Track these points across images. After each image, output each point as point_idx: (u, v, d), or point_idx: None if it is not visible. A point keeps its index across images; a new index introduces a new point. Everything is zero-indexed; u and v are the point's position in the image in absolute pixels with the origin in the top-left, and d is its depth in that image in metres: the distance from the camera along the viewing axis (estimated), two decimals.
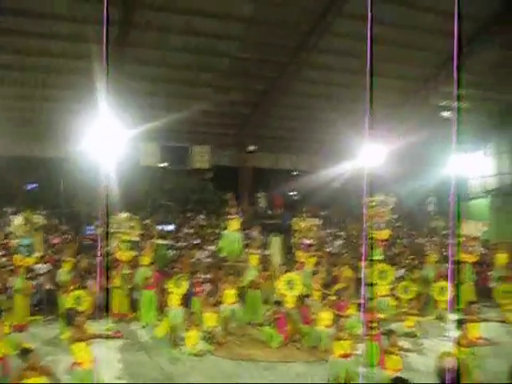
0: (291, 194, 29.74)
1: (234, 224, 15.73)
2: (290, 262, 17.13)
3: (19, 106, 20.67)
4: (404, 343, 10.07)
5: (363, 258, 15.14)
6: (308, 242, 16.09)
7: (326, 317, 11.75)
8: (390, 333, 9.77)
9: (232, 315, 13.45)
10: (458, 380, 4.66)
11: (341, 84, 21.64)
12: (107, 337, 9.38)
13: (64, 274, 14.52)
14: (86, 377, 7.54)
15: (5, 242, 17.31)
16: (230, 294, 13.68)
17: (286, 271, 14.74)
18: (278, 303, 12.86)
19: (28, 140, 21.65)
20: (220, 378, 9.81)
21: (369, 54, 9.66)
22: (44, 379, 6.93)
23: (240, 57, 19.83)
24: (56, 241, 19.01)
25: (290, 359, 11.05)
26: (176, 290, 13.07)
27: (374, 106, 11.44)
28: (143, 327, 13.83)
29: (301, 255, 16.07)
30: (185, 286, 13.32)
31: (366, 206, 14.67)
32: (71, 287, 13.14)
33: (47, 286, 15.47)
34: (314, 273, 14.87)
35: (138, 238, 15.95)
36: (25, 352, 7.11)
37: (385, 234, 15.05)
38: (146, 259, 15.33)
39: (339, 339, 9.49)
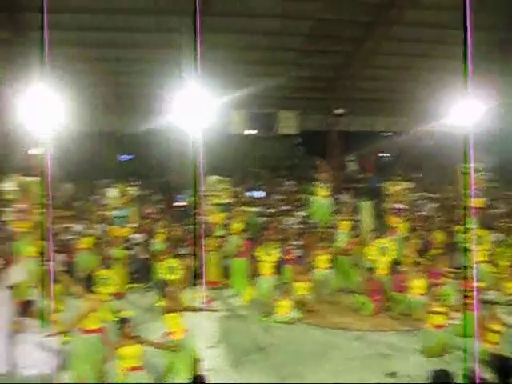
0: (382, 156, 29.01)
1: (323, 189, 15.48)
2: (381, 228, 16.77)
3: (112, 81, 21.25)
4: (503, 315, 9.60)
5: (458, 222, 14.63)
6: (400, 206, 15.61)
7: (418, 285, 11.43)
8: (489, 303, 9.37)
9: (324, 281, 13.38)
10: None
11: (432, 40, 20.66)
12: (200, 310, 9.49)
13: (158, 243, 14.92)
14: (177, 345, 7.69)
15: (100, 213, 18.01)
16: (322, 259, 13.59)
17: (378, 237, 14.43)
18: (370, 270, 12.65)
19: (120, 114, 22.28)
20: (311, 347, 9.79)
21: (462, 5, 9.04)
22: (138, 348, 7.14)
23: (324, 18, 19.31)
24: (149, 211, 19.55)
25: (382, 328, 10.86)
26: (266, 258, 13.09)
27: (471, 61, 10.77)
28: (235, 295, 14.06)
29: (393, 220, 15.64)
30: (275, 253, 13.33)
31: (460, 173, 14.05)
32: (165, 256, 13.49)
33: (143, 256, 16.00)
34: (407, 238, 14.48)
35: (229, 200, 16.01)
36: (123, 321, 7.34)
37: (479, 202, 14.34)
38: (236, 227, 15.47)
39: (433, 308, 9.21)
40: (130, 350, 7.10)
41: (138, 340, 7.23)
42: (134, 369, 7.06)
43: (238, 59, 20.60)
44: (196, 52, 14.75)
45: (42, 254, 11.43)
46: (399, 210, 15.73)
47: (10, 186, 11.30)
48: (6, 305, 8.86)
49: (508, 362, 5.75)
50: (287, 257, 14.06)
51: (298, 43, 20.41)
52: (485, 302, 9.51)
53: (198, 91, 16.01)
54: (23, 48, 18.53)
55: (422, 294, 11.22)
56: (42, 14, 12.00)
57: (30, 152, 17.65)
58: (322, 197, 15.30)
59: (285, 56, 21.00)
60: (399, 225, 15.38)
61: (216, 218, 15.40)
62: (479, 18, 18.33)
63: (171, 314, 7.85)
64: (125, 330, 7.16)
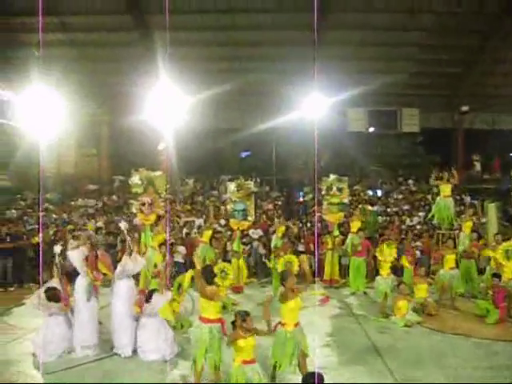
0: (510, 155, 27.52)
1: (446, 189, 14.95)
2: (508, 230, 15.97)
3: (234, 80, 21.74)
4: None
5: None
6: None
7: None
8: None
9: (448, 283, 12.93)
10: None
11: None
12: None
13: (277, 239, 15.12)
14: (288, 338, 7.76)
15: (220, 207, 18.54)
16: (450, 258, 13.15)
17: (505, 240, 13.73)
18: (496, 275, 12.06)
19: (242, 111, 22.79)
20: (428, 351, 9.51)
21: None
22: (253, 341, 7.30)
23: (448, 11, 18.64)
24: (268, 207, 19.85)
25: (506, 337, 10.33)
26: (384, 258, 12.87)
27: None
28: (352, 294, 13.98)
29: None
30: (393, 253, 13.06)
31: None
32: (282, 252, 13.64)
33: (261, 251, 16.32)
34: None
35: (346, 200, 15.92)
36: (242, 314, 7.52)
37: None
38: (354, 225, 15.35)
39: None
40: (247, 343, 7.26)
41: (254, 332, 7.37)
42: (248, 362, 7.22)
43: (360, 56, 20.42)
44: (315, 51, 14.85)
45: (163, 245, 11.99)
46: None
47: (136, 179, 11.85)
48: (130, 293, 9.39)
49: None
50: (408, 258, 13.74)
51: (421, 38, 19.88)
52: None
53: (316, 89, 16.09)
54: (148, 49, 19.49)
55: None
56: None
57: (156, 148, 18.48)
58: (444, 196, 14.77)
59: (408, 52, 20.53)
60: None
61: (334, 216, 15.34)
62: None
63: (287, 305, 7.93)
64: (244, 322, 7.33)
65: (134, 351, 9.11)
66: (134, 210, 12.15)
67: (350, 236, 15.17)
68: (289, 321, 7.88)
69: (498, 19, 19.01)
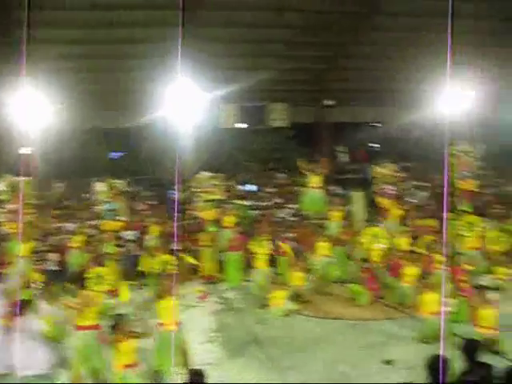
0: (372, 146, 29.07)
1: (313, 180, 15.46)
2: (373, 217, 16.87)
3: (100, 78, 21.16)
4: (495, 297, 9.72)
5: (449, 209, 14.71)
6: (390, 188, 15.60)
7: (411, 272, 11.51)
8: (480, 288, 9.50)
9: (322, 270, 13.45)
10: None
11: (420, 29, 20.68)
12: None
13: (151, 239, 14.94)
14: (169, 338, 7.73)
15: (91, 209, 18.00)
16: (323, 246, 13.66)
17: (370, 226, 14.49)
18: (364, 259, 12.72)
19: (110, 110, 22.20)
20: (307, 337, 9.85)
21: None
22: (133, 344, 7.18)
23: (313, 10, 19.31)
24: (141, 207, 19.53)
25: (377, 317, 10.94)
26: (259, 251, 13.15)
27: (456, 49, 10.82)
28: (230, 288, 14.13)
29: (383, 202, 15.67)
30: (267, 246, 13.40)
31: (448, 155, 14.08)
32: (157, 252, 13.54)
33: (136, 252, 16.01)
34: (400, 226, 14.57)
35: (221, 197, 16.03)
36: (118, 317, 7.37)
37: (470, 184, 14.36)
38: (228, 221, 15.51)
39: (426, 296, 9.31)
40: (126, 346, 7.13)
41: (133, 335, 7.25)
42: (129, 365, 7.09)
43: (227, 52, 20.54)
44: (185, 46, 14.79)
45: (34, 253, 11.45)
46: (389, 192, 15.68)
47: (1, 186, 11.25)
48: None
49: (471, 343, 5.92)
50: (282, 249, 14.13)
51: (287, 35, 20.38)
52: (478, 287, 9.62)
53: (187, 86, 16.02)
54: (9, 47, 18.43)
55: (415, 282, 11.30)
56: (28, 11, 11.96)
57: (19, 152, 17.57)
58: (313, 188, 15.31)
59: (274, 48, 20.97)
60: (392, 211, 15.41)
61: (208, 214, 15.42)
62: (465, 7, 18.50)
63: (165, 306, 7.88)
64: (120, 326, 7.20)
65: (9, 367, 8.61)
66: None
67: (223, 232, 15.32)
68: (167, 320, 7.84)
69: (358, 18, 19.97)
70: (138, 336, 7.29)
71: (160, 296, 7.96)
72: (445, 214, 12.45)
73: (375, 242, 13.03)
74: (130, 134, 23.50)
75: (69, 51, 19.38)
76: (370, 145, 28.65)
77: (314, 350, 9.06)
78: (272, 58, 20.84)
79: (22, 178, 11.57)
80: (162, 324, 7.82)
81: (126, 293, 12.43)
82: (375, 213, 16.94)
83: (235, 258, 14.46)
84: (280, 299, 11.64)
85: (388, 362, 8.35)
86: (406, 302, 11.33)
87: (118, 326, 7.19)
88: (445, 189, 13.99)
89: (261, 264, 13.04)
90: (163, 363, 7.72)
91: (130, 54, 20.06)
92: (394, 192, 15.52)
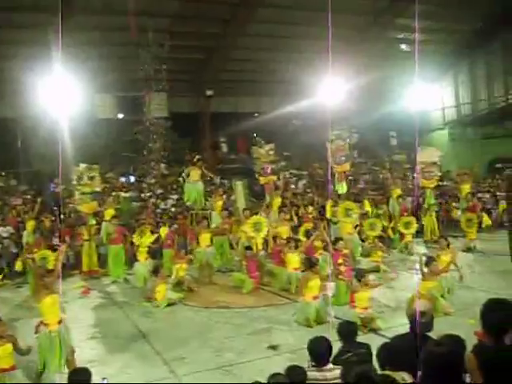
0: (253, 136, 29.48)
1: (195, 172, 15.40)
2: (255, 206, 17.12)
3: None
4: (373, 279, 10.19)
5: (328, 196, 15.25)
6: (267, 166, 15.89)
7: (294, 259, 11.78)
8: (359, 271, 9.90)
9: (206, 260, 13.45)
10: (431, 323, 4.68)
11: (296, 22, 21.23)
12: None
13: (28, 235, 14.28)
14: (53, 337, 7.41)
15: None
16: (205, 237, 13.64)
17: (252, 214, 14.67)
18: (248, 248, 12.84)
19: None
20: (193, 328, 9.81)
21: None
22: (9, 348, 6.79)
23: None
24: (17, 202, 18.57)
25: (262, 304, 11.10)
26: (142, 243, 12.95)
27: (332, 42, 11.22)
28: (113, 282, 13.78)
29: (263, 179, 15.95)
30: (149, 237, 13.23)
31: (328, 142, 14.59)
32: (35, 248, 12.96)
33: (12, 249, 15.21)
34: (280, 214, 14.86)
35: (99, 189, 15.61)
36: None
37: (345, 166, 14.90)
38: (108, 213, 15.15)
39: (309, 281, 9.56)
40: (3, 351, 6.73)
41: (8, 339, 6.86)
42: (6, 370, 6.70)
43: (104, 41, 19.98)
44: (62, 35, 14.17)
45: None
46: (268, 171, 15.93)
47: None
48: None
49: (348, 324, 6.27)
50: (166, 241, 13.97)
51: (166, 24, 20.15)
52: (355, 271, 10.02)
53: (64, 76, 15.37)
54: None
55: (298, 268, 11.58)
56: None
57: None
58: (194, 179, 15.24)
59: (153, 38, 20.63)
60: (274, 199, 15.68)
61: (87, 206, 14.92)
62: (345, 2, 19.16)
63: (46, 303, 7.53)
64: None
65: None
66: None
67: (104, 224, 14.93)
68: (50, 319, 7.50)
69: (237, 8, 20.12)
70: (14, 341, 6.90)
71: (40, 294, 7.58)
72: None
73: (257, 229, 13.17)
74: (5, 124, 22.21)
75: None
76: (252, 135, 29.07)
77: (200, 340, 9.03)
78: (152, 46, 20.48)
79: None
80: (45, 324, 7.45)
81: None
82: (257, 202, 17.22)
83: (116, 250, 14.10)
84: (163, 291, 11.49)
85: (273, 348, 8.49)
86: (289, 288, 11.59)
87: None
88: (328, 176, 14.48)
89: (143, 256, 12.83)
90: (48, 364, 7.37)
91: (7, 41, 18.97)
92: (271, 171, 15.85)
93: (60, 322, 7.59)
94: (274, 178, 16.18)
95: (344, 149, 14.83)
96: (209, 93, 23.54)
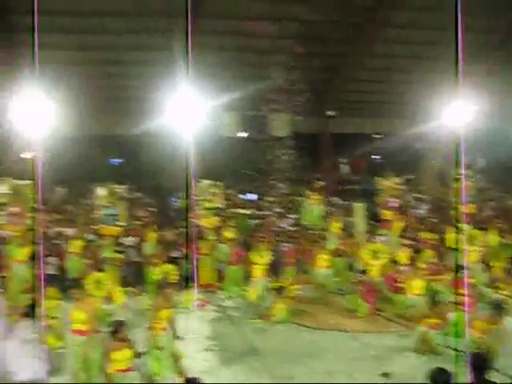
0: (374, 158, 29.03)
1: (314, 196, 15.37)
2: (374, 229, 16.77)
3: (102, 85, 21.16)
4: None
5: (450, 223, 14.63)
6: (393, 201, 15.53)
7: (416, 285, 11.37)
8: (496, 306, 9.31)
9: (323, 281, 13.37)
10: None
11: (424, 42, 20.73)
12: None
13: (150, 246, 14.84)
14: (165, 344, 7.67)
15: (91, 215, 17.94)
16: (323, 258, 13.59)
17: (371, 239, 14.38)
18: (363, 272, 12.60)
19: (112, 117, 22.20)
20: (304, 348, 9.75)
21: (454, 6, 9.03)
22: (130, 352, 7.11)
23: (315, 20, 19.35)
24: (141, 214, 19.44)
25: (376, 329, 10.82)
26: (259, 261, 13.03)
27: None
28: (229, 298, 14.02)
29: (387, 214, 15.59)
30: (267, 256, 13.28)
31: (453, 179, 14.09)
32: (157, 260, 13.48)
33: (135, 259, 15.92)
34: (401, 238, 14.46)
35: (220, 205, 15.98)
36: (117, 324, 7.29)
37: (470, 208, 14.29)
38: (228, 235, 15.38)
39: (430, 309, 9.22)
40: (123, 354, 7.06)
41: (129, 345, 7.19)
42: (124, 371, 7.02)
43: (230, 61, 20.58)
44: (188, 54, 14.74)
45: (33, 257, 11.35)
46: (393, 205, 15.61)
47: (2, 189, 11.22)
48: None
49: (479, 357, 5.72)
50: (286, 259, 13.98)
51: (290, 45, 20.37)
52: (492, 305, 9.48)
53: (189, 94, 15.96)
54: (13, 50, 18.45)
55: (419, 294, 11.19)
56: (33, 16, 11.92)
57: (22, 155, 17.52)
58: (313, 201, 15.23)
59: (277, 58, 20.94)
60: (394, 224, 15.31)
61: (208, 221, 15.32)
62: (471, 19, 18.47)
63: (164, 314, 7.82)
64: (119, 333, 7.13)
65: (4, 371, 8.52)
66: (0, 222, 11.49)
67: (222, 246, 15.20)
68: (165, 327, 7.78)
69: (360, 29, 20.01)
70: (132, 345, 7.23)
71: (159, 304, 7.89)
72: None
73: (375, 256, 12.87)
74: (131, 141, 23.47)
75: (73, 57, 19.42)
76: (372, 156, 28.64)
77: (310, 361, 8.95)
78: (275, 67, 20.80)
79: (24, 182, 11.51)
80: (158, 329, 7.74)
81: (120, 298, 12.36)
82: (376, 225, 16.85)
83: (234, 271, 14.32)
84: (279, 309, 11.51)
85: (385, 375, 8.23)
86: (406, 314, 11.20)
87: (117, 332, 7.12)
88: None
89: (260, 274, 12.90)
90: (159, 369, 7.63)
91: (133, 61, 20.09)
92: (397, 205, 15.44)
93: (165, 329, 7.84)
94: (398, 215, 15.64)
95: (469, 188, 14.28)
96: (330, 113, 23.50)
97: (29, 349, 8.43)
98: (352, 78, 22.80)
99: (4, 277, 10.62)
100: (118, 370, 7.00)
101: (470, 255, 13.30)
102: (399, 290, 11.79)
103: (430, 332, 9.07)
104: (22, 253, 11.22)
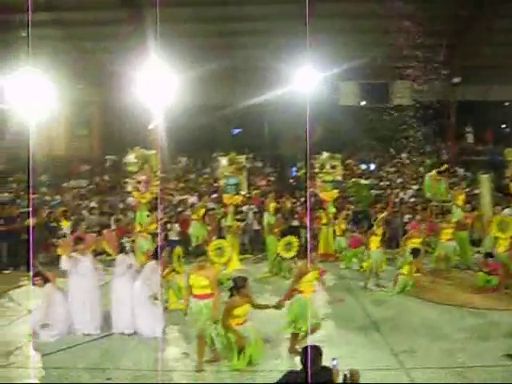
0: (503, 127, 27.52)
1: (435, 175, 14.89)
2: (502, 202, 16.01)
3: (224, 55, 21.54)
4: None
5: None
6: None
7: None
8: None
9: (447, 252, 13.17)
10: None
11: None
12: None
13: (269, 215, 15.13)
14: (307, 302, 7.98)
15: (213, 184, 18.55)
16: (446, 232, 13.31)
17: (498, 212, 13.77)
18: (489, 255, 12.09)
19: (232, 87, 22.64)
20: (425, 322, 9.58)
21: None
22: (248, 307, 7.57)
23: None
24: (261, 183, 19.83)
25: (502, 307, 10.40)
26: (377, 231, 12.83)
27: None
28: (346, 268, 14.09)
29: None
30: (381, 228, 13.01)
31: None
32: (276, 229, 13.79)
33: (255, 227, 16.36)
34: None
35: (340, 178, 15.97)
36: (240, 281, 7.65)
37: None
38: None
39: None
40: (244, 309, 7.51)
41: (250, 300, 7.62)
42: (241, 323, 7.51)
43: (350, 29, 20.21)
44: (306, 24, 14.68)
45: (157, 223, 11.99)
46: None
47: (132, 158, 11.85)
48: (130, 273, 9.41)
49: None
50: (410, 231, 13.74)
51: (413, 10, 19.64)
52: None
53: (310, 63, 15.95)
54: (137, 26, 19.24)
55: None
56: None
57: (147, 127, 18.35)
58: (436, 179, 14.78)
59: (398, 24, 20.30)
60: None
61: (328, 194, 15.40)
62: None
63: (306, 278, 8.07)
64: (242, 289, 7.47)
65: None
66: (129, 189, 12.14)
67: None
68: (306, 289, 8.01)
69: None
70: (253, 300, 7.66)
71: (303, 270, 8.16)
72: None
73: (502, 229, 12.29)
74: (252, 110, 23.85)
75: (197, 29, 19.93)
76: (501, 126, 27.16)
77: (431, 336, 8.79)
78: (395, 33, 20.18)
79: (151, 151, 12.09)
80: (301, 291, 8.06)
81: (236, 263, 12.82)
82: (503, 197, 16.09)
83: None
84: (401, 280, 11.42)
85: (510, 356, 7.93)
86: None
87: (240, 288, 7.47)
88: None
89: (375, 244, 12.71)
90: (299, 323, 8.01)
91: (255, 32, 20.28)
92: None
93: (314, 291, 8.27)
94: None
95: None
96: (455, 80, 22.47)
97: (149, 306, 9.03)
98: (478, 42, 21.62)
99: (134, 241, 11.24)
100: (238, 324, 7.43)
101: None
102: None
103: None
104: (148, 220, 11.86)
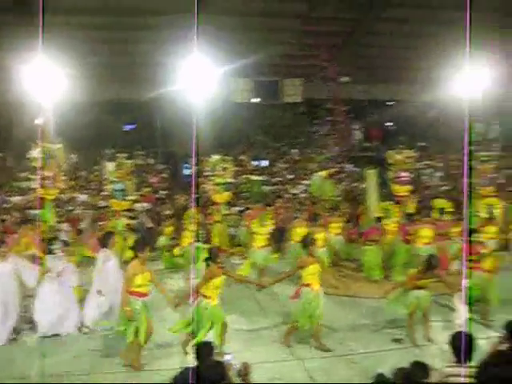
0: (387, 125, 28.82)
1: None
2: (386, 196, 16.72)
3: (114, 50, 21.00)
4: None
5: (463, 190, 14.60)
6: (403, 174, 15.42)
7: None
8: None
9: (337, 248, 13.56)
10: None
11: (438, 6, 20.32)
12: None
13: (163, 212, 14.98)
14: (315, 297, 8.15)
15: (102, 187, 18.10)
16: (335, 226, 13.63)
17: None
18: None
19: (123, 83, 22.11)
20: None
21: None
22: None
23: None
24: (154, 180, 19.57)
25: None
26: (260, 230, 12.69)
27: (473, 28, 10.55)
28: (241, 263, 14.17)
29: (397, 189, 15.54)
30: (268, 225, 13.03)
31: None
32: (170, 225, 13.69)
33: (147, 224, 16.06)
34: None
35: (231, 180, 16.07)
36: (214, 251, 8.04)
37: (488, 190, 14.36)
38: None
39: None
40: (221, 281, 7.74)
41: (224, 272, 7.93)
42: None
43: (242, 26, 20.29)
44: (197, 18, 14.58)
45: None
46: (403, 179, 15.51)
47: (36, 153, 11.32)
48: None
49: None
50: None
51: (302, 9, 20.08)
52: None
53: (201, 59, 15.84)
54: (23, 17, 18.31)
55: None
56: None
57: (34, 122, 17.54)
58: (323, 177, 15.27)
59: (289, 23, 20.68)
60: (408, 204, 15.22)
61: (221, 197, 15.47)
62: None
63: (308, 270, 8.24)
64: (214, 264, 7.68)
65: None
66: (34, 186, 11.58)
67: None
68: (313, 283, 8.17)
69: None
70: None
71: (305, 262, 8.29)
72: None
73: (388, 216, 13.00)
74: (143, 106, 23.48)
75: (84, 21, 19.24)
76: (386, 124, 28.42)
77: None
78: (287, 32, 20.53)
79: (56, 146, 11.62)
80: (307, 285, 8.18)
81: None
82: (388, 192, 16.81)
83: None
84: None
85: (397, 341, 8.31)
86: None
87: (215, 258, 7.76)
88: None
89: (259, 243, 12.59)
90: (302, 320, 8.12)
91: (144, 26, 19.85)
92: (408, 179, 15.35)
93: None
94: (410, 188, 15.45)
95: (487, 172, 14.27)
96: (343, 79, 23.21)
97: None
98: (364, 44, 22.45)
99: None
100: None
101: None
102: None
103: None
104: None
